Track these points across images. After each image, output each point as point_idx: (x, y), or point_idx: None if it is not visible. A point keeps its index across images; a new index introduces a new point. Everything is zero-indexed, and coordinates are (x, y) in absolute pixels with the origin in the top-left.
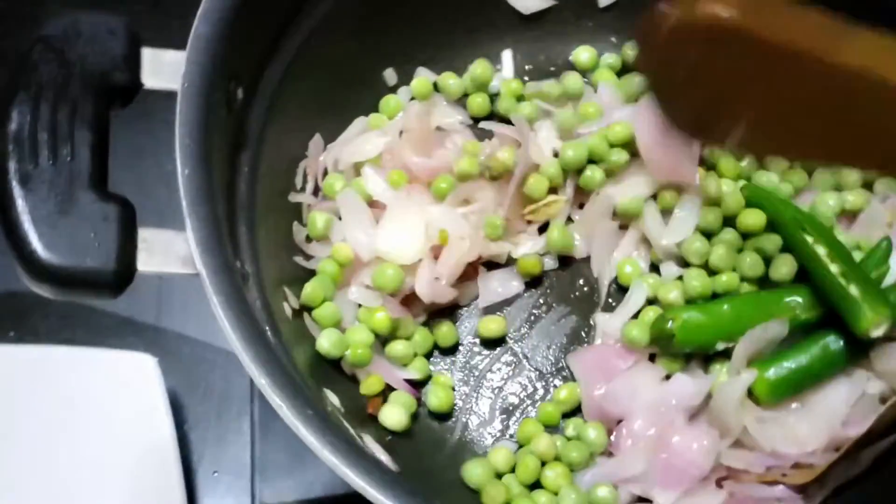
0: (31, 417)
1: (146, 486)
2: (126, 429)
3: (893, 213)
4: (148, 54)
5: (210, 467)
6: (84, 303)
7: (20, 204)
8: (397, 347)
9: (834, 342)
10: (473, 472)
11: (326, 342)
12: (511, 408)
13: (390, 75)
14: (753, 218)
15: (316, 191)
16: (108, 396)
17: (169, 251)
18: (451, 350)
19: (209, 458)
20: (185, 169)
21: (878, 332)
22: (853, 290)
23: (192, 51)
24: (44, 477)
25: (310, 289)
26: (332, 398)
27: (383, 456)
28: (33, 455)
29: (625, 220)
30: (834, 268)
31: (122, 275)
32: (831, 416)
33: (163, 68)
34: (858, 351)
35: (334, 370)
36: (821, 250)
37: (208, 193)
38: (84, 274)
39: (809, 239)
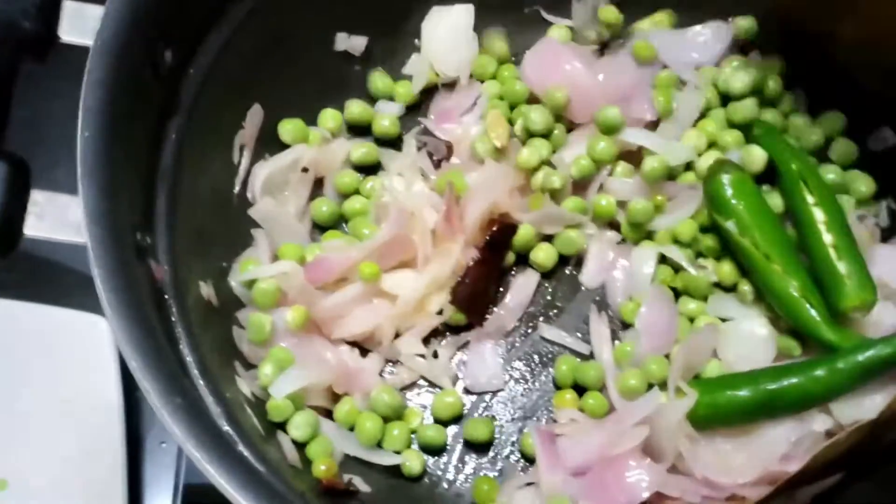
0: None
1: (89, 449)
2: (74, 389)
3: (871, 235)
4: (69, 7)
5: (158, 437)
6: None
7: None
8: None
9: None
10: None
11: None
12: None
13: (342, 39)
14: None
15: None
16: (58, 355)
17: (62, 217)
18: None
19: (158, 428)
20: (86, 131)
21: (857, 315)
22: (842, 266)
23: (111, 5)
24: None
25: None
26: (242, 385)
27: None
28: None
29: None
30: (828, 238)
31: (5, 236)
32: (771, 448)
33: (84, 23)
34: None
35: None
36: (818, 215)
37: (109, 159)
38: None
39: (809, 199)
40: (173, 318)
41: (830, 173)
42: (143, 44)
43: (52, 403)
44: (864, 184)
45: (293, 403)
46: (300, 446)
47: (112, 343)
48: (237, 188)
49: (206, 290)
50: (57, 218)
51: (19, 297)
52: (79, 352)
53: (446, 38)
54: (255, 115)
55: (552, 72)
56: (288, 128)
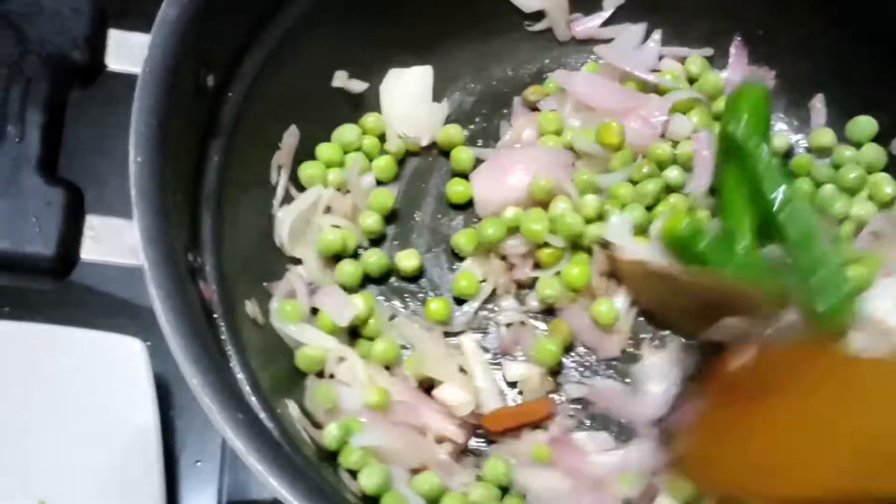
0: (14, 393)
1: (126, 469)
2: (110, 411)
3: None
4: (114, 36)
5: (193, 456)
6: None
7: None
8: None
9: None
10: None
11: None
12: None
13: (339, 77)
14: None
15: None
16: (94, 378)
17: (116, 240)
18: None
19: (192, 447)
20: (138, 156)
21: None
22: None
23: (157, 34)
24: (23, 454)
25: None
26: (293, 403)
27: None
28: (14, 431)
29: None
30: None
31: (63, 262)
32: None
33: (129, 51)
34: None
35: (298, 379)
36: None
37: (160, 182)
38: (22, 259)
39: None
40: (223, 337)
41: (853, 172)
42: (187, 70)
43: (88, 425)
44: (889, 185)
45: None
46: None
47: (147, 364)
48: (275, 208)
49: (252, 308)
50: (112, 241)
51: (53, 320)
52: (114, 373)
53: (404, 100)
54: (291, 136)
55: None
56: (308, 172)
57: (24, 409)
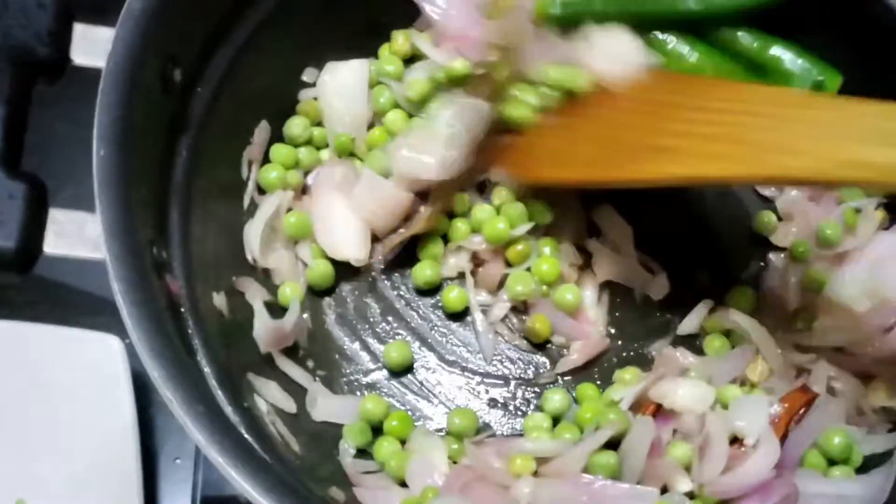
0: None
1: (105, 467)
2: (88, 409)
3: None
4: (80, 30)
5: (171, 454)
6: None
7: None
8: None
9: None
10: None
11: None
12: None
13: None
14: None
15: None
16: (72, 375)
17: (80, 234)
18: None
19: (172, 445)
20: (101, 149)
21: None
22: None
23: (121, 28)
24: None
25: None
26: (261, 398)
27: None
28: None
29: None
30: None
31: (25, 255)
32: None
33: (95, 45)
34: None
35: (268, 369)
36: None
37: (124, 176)
38: None
39: None
40: (190, 331)
41: None
42: (153, 64)
43: (66, 422)
44: None
45: None
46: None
47: (125, 361)
48: (246, 204)
49: (219, 300)
50: (75, 235)
51: (32, 317)
52: (92, 371)
53: (341, 95)
54: (262, 132)
55: None
56: (267, 177)
57: (1, 406)
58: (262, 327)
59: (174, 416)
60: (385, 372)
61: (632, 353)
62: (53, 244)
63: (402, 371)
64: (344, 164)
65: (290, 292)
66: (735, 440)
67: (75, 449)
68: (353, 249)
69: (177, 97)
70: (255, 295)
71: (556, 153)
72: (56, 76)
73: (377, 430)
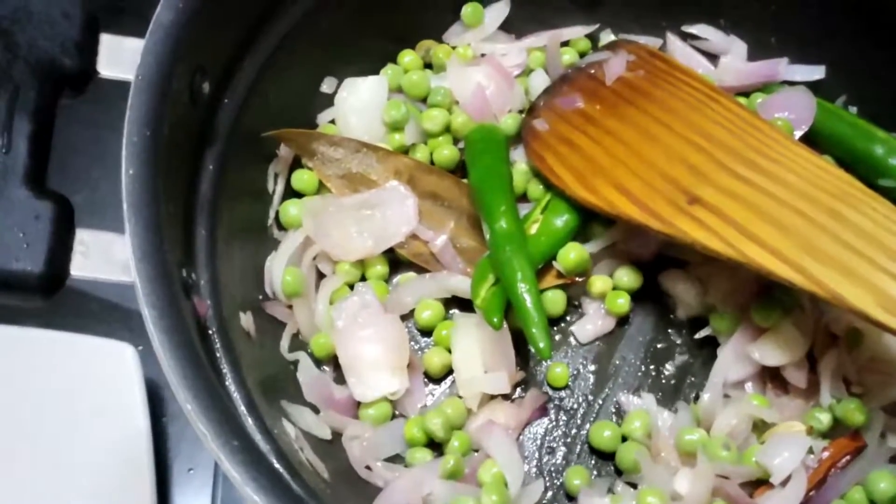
0: (3, 398)
1: (118, 476)
2: (101, 417)
3: None
4: (107, 41)
5: (185, 464)
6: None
7: None
8: None
9: None
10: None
11: None
12: None
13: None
14: None
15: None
16: (84, 383)
17: (107, 256)
18: None
19: (185, 454)
20: (130, 168)
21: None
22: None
23: (150, 40)
24: (14, 459)
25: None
26: (290, 424)
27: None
28: (3, 436)
29: None
30: None
31: (52, 279)
32: None
33: (122, 57)
34: None
35: (293, 388)
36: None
37: (153, 195)
38: (8, 276)
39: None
40: (218, 354)
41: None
42: (181, 76)
43: (79, 430)
44: None
45: None
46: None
47: (139, 370)
48: (270, 219)
49: (246, 320)
50: (103, 257)
51: (43, 324)
52: (106, 379)
53: (358, 109)
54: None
55: None
56: (290, 213)
57: (14, 414)
58: (309, 379)
59: (188, 426)
60: None
61: None
62: (80, 266)
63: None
64: (363, 292)
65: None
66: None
67: (89, 457)
68: (387, 385)
69: (204, 109)
70: (288, 333)
71: (589, 162)
72: (81, 88)
73: None
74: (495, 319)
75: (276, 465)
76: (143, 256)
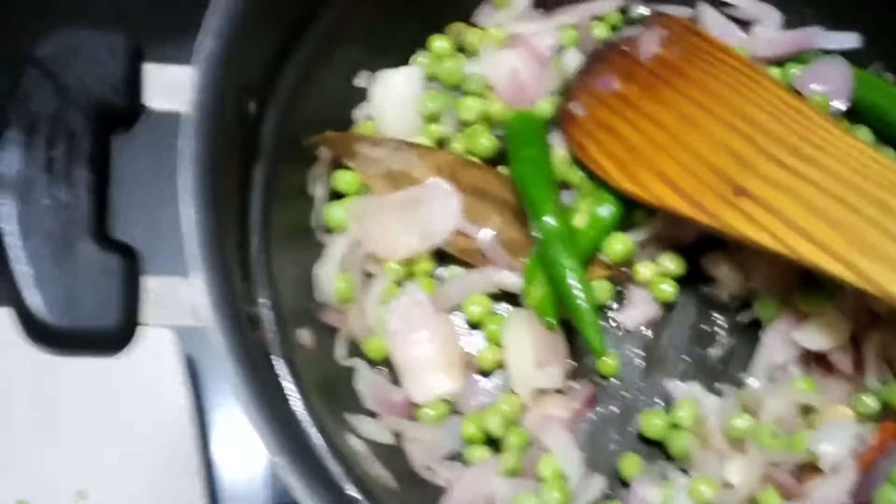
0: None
1: (167, 474)
2: (145, 404)
3: None
4: (150, 71)
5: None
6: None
7: (16, 256)
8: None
9: None
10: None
11: None
12: None
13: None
14: None
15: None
16: (129, 371)
17: (176, 302)
18: None
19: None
20: (190, 212)
21: None
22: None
23: (197, 74)
24: (60, 447)
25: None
26: (354, 436)
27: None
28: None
29: None
30: None
31: (125, 333)
32: None
33: (167, 87)
34: None
35: (352, 400)
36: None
37: (215, 236)
38: (83, 334)
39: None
40: (283, 379)
41: None
42: (230, 104)
43: (124, 422)
44: None
45: None
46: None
47: (179, 353)
48: (315, 222)
49: (304, 335)
50: (170, 302)
51: None
52: (149, 365)
53: (393, 102)
54: None
55: None
56: (335, 216)
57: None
58: (367, 385)
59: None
60: None
61: None
62: (150, 316)
63: None
64: (413, 292)
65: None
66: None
67: (136, 443)
68: (443, 385)
69: (250, 128)
70: (343, 338)
71: (631, 151)
72: (131, 124)
73: None
74: (549, 320)
75: (348, 488)
76: (214, 306)
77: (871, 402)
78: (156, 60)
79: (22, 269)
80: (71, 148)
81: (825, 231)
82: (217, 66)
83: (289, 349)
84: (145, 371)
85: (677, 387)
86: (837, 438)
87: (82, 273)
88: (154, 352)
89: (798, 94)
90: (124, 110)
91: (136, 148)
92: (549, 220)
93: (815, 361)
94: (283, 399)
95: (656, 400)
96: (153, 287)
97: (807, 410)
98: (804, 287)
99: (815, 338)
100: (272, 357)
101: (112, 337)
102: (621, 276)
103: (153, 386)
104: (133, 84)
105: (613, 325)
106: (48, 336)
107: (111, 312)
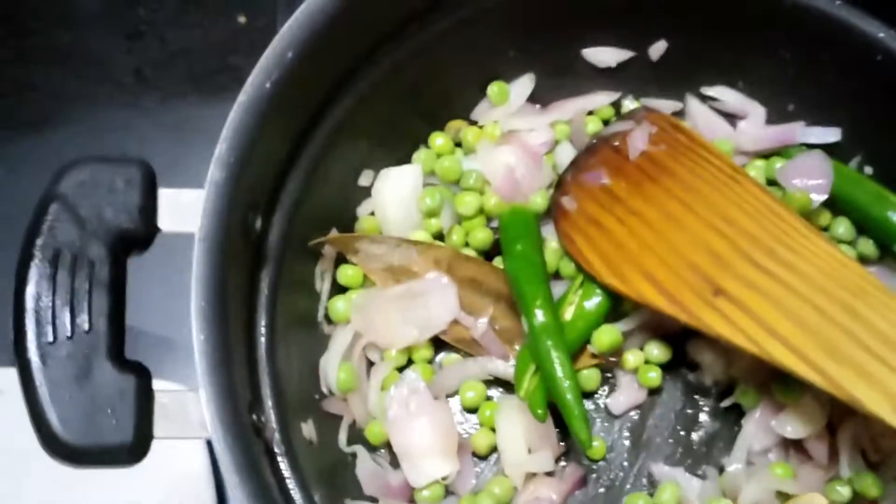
0: None
1: None
2: None
3: None
4: (165, 196)
5: None
6: None
7: (38, 379)
8: None
9: None
10: None
11: None
12: None
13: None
14: None
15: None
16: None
17: (185, 414)
18: None
19: None
20: (200, 334)
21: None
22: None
23: (206, 202)
24: None
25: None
26: None
27: None
28: None
29: None
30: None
31: (139, 448)
32: None
33: (181, 211)
34: None
35: (353, 486)
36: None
37: (224, 355)
38: (100, 450)
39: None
40: (285, 474)
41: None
42: (237, 225)
43: None
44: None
45: None
46: None
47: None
48: (320, 315)
49: (308, 429)
50: (181, 416)
51: None
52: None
53: (393, 201)
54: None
55: None
56: (338, 308)
57: None
58: (366, 471)
59: None
60: None
61: None
62: (162, 429)
63: None
64: (411, 380)
65: (379, 434)
66: None
67: None
68: (439, 470)
69: (256, 241)
70: (345, 425)
71: (617, 247)
72: (147, 246)
73: None
74: (540, 412)
75: None
76: (220, 421)
77: (844, 491)
78: (170, 186)
79: (43, 392)
80: (91, 276)
81: (797, 335)
82: (223, 192)
83: (292, 445)
84: (170, 479)
85: (662, 470)
86: None
87: (101, 395)
88: (182, 460)
89: (779, 188)
90: (141, 235)
91: (151, 267)
92: (539, 316)
93: (793, 448)
94: (282, 495)
95: (642, 482)
96: (165, 402)
97: (784, 497)
98: (781, 379)
99: (792, 426)
100: (277, 455)
101: (126, 453)
102: (609, 364)
103: (178, 493)
104: (149, 210)
105: (602, 408)
106: (67, 453)
107: (127, 431)
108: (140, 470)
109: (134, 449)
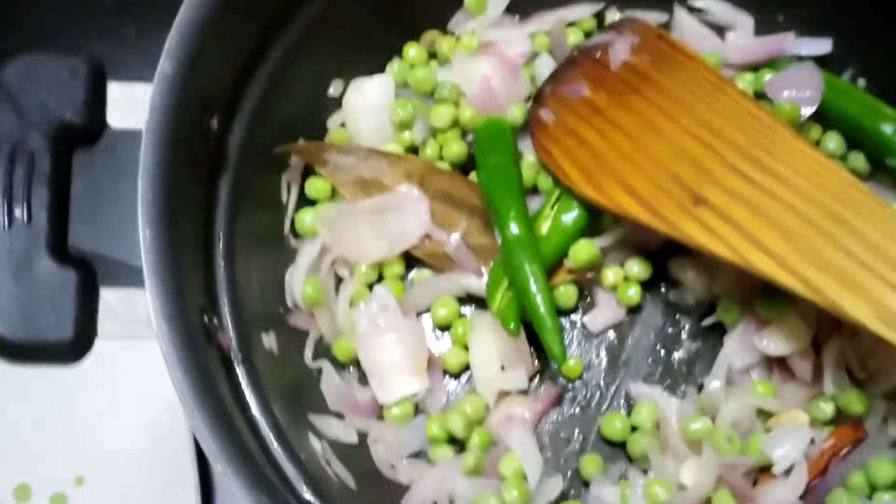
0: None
1: (161, 446)
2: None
3: None
4: (114, 90)
5: None
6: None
7: None
8: None
9: None
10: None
11: None
12: None
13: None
14: None
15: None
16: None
17: (132, 313)
18: None
19: None
20: (147, 229)
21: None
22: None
23: (155, 94)
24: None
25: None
26: (316, 437)
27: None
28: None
29: None
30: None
31: (80, 344)
32: None
33: (130, 106)
34: None
35: (317, 402)
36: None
37: (172, 254)
38: (40, 346)
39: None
40: (242, 384)
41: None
42: (189, 123)
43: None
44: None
45: None
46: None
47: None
48: (286, 228)
49: (268, 340)
50: (128, 314)
51: None
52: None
53: (366, 111)
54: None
55: None
56: (305, 221)
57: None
58: (332, 387)
59: None
60: None
61: None
62: (106, 327)
63: None
64: (381, 295)
65: (347, 350)
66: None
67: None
68: (409, 387)
69: (213, 143)
70: (311, 341)
71: (596, 158)
72: (93, 142)
73: None
74: (512, 326)
75: (307, 497)
76: (165, 319)
77: (826, 408)
78: (120, 79)
79: None
80: (31, 169)
81: (779, 243)
82: (174, 87)
83: (250, 355)
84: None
85: (640, 389)
86: (790, 443)
87: (40, 289)
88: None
89: (768, 102)
90: (86, 129)
91: (99, 163)
92: (513, 229)
93: (777, 366)
94: (239, 406)
95: (619, 402)
96: (110, 299)
97: (765, 415)
98: (765, 293)
99: (776, 343)
100: (234, 363)
101: (67, 349)
102: (587, 281)
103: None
104: (95, 104)
105: (579, 327)
106: (5, 350)
107: (67, 326)
108: (86, 372)
109: (74, 346)
